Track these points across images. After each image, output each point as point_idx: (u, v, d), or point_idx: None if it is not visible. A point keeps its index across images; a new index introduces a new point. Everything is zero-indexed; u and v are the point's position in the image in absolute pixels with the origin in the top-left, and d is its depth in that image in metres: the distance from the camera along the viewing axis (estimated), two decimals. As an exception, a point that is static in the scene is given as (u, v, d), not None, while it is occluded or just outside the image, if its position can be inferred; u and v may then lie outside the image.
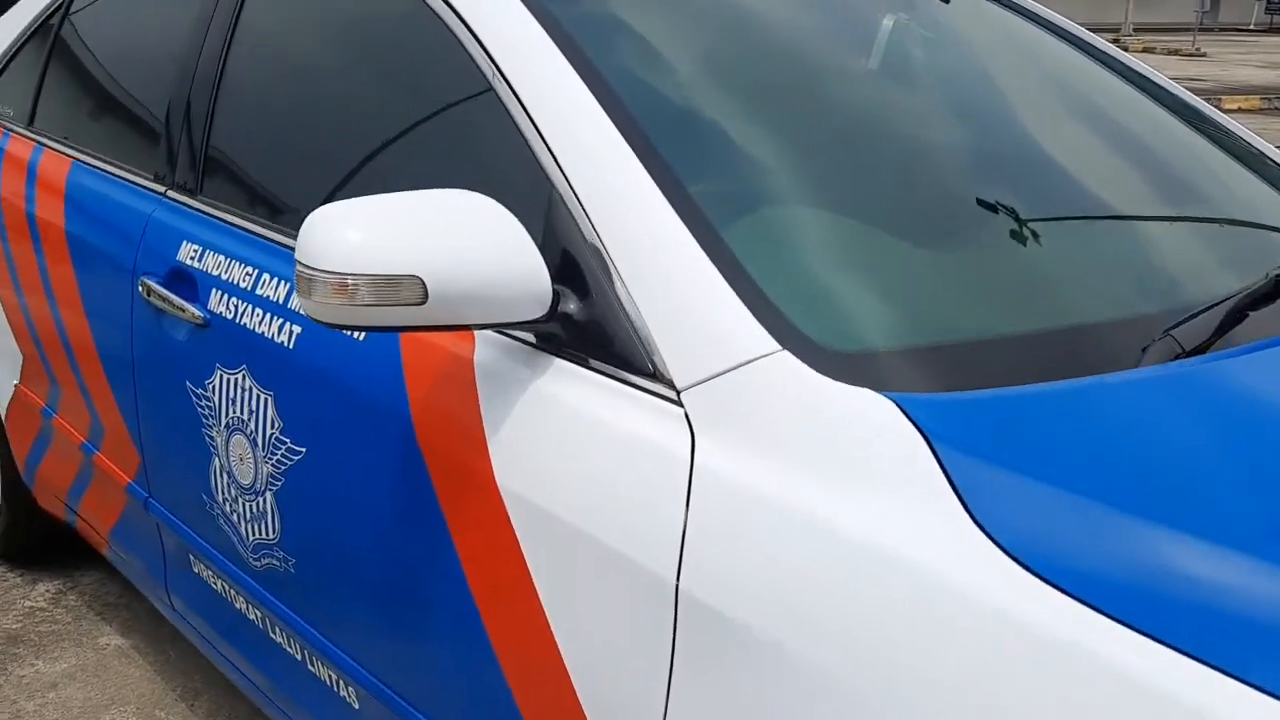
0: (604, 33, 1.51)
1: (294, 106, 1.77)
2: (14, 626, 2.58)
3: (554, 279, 1.25)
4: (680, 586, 1.05)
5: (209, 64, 1.88)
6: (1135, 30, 24.86)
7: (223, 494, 1.71)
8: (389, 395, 1.39)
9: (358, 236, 1.14)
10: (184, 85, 1.92)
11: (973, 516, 0.92)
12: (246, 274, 1.65)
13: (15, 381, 2.42)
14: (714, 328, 1.14)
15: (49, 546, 2.77)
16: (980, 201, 1.43)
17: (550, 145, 1.32)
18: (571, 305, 1.24)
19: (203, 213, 1.80)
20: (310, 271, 1.14)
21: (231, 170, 1.82)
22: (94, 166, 2.11)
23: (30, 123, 2.38)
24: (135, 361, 1.89)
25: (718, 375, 1.12)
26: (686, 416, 1.12)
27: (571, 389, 1.22)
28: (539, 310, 1.22)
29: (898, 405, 1.03)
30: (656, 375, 1.16)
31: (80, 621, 2.60)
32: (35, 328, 2.27)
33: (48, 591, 2.72)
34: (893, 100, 1.62)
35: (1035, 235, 1.40)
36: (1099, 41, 1.96)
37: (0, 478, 2.67)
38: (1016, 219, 1.41)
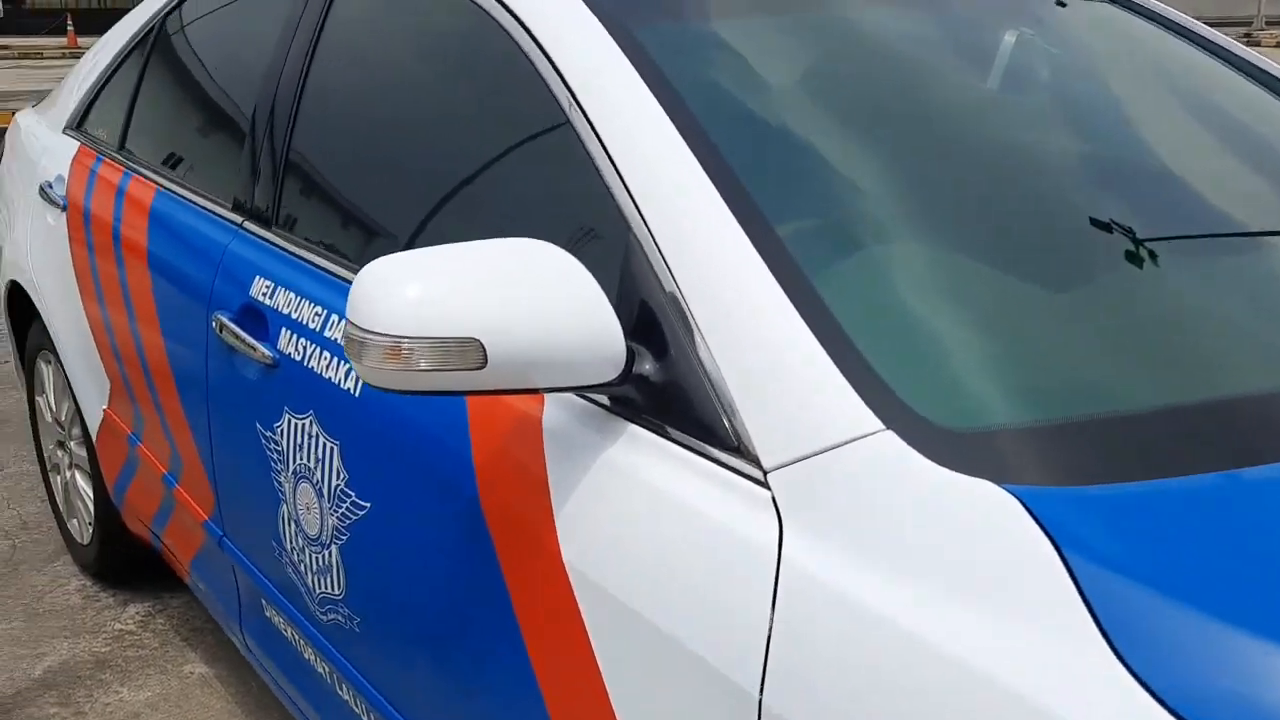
0: (691, 60, 1.38)
1: (368, 140, 1.69)
2: (103, 650, 2.57)
3: (629, 335, 1.13)
4: (764, 702, 0.92)
5: (286, 94, 1.81)
6: (1268, 23, 23.63)
7: (291, 542, 1.63)
8: (454, 454, 1.28)
9: (412, 295, 1.04)
10: (262, 115, 1.86)
11: (1119, 656, 0.77)
12: (316, 314, 1.57)
13: (104, 406, 2.40)
14: (807, 399, 1.01)
15: (140, 567, 2.77)
16: (1122, 251, 1.25)
17: (628, 185, 1.20)
18: (647, 366, 1.12)
19: (276, 246, 1.73)
20: (361, 334, 1.04)
21: (305, 203, 1.75)
22: (177, 194, 2.07)
23: (121, 148, 2.36)
24: (209, 397, 1.84)
25: (810, 456, 0.98)
26: (774, 501, 0.99)
27: (645, 460, 1.10)
28: (611, 373, 1.10)
29: (1021, 502, 0.88)
30: (741, 450, 1.03)
31: (166, 647, 2.58)
32: (120, 355, 2.24)
33: (138, 614, 2.71)
34: (1016, 130, 1.45)
35: (1191, 291, 1.22)
36: (1238, 48, 1.75)
37: (94, 498, 2.67)
38: (1168, 271, 1.23)
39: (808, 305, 1.06)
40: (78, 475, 2.76)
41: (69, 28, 23.23)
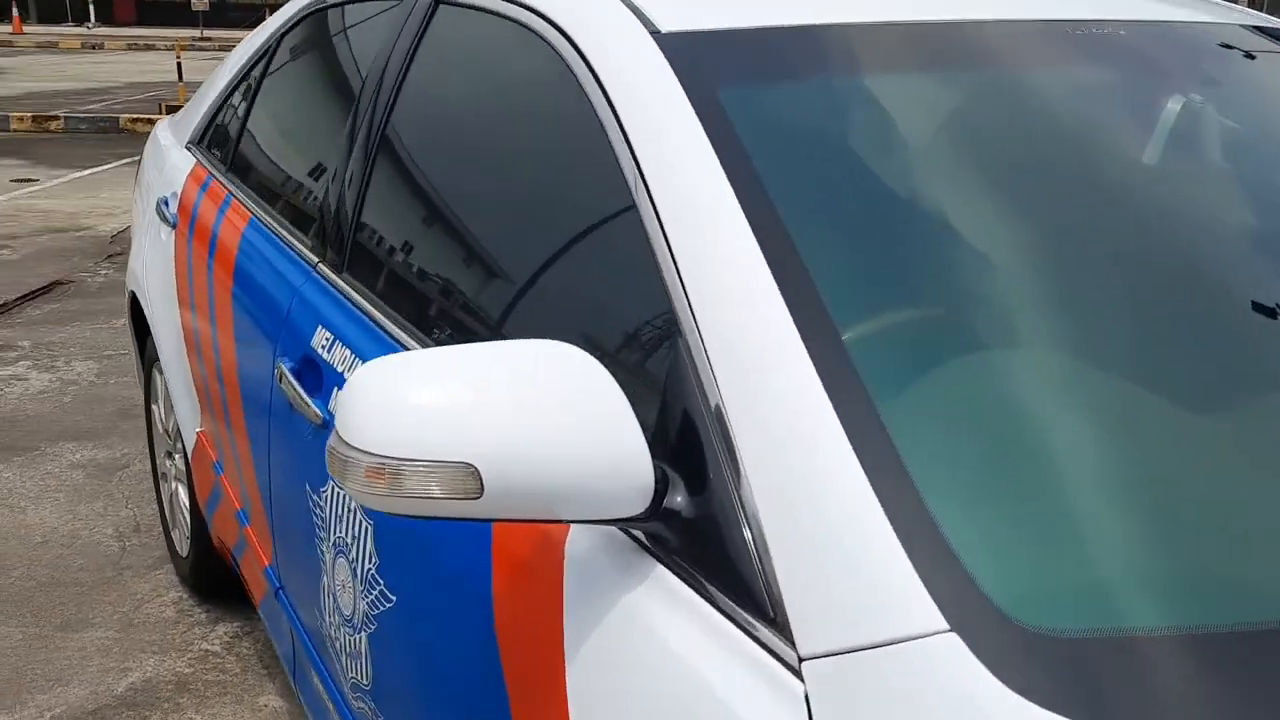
0: (781, 137, 1.19)
1: (435, 198, 1.57)
2: (186, 671, 2.55)
3: (665, 456, 0.96)
4: None
5: (365, 140, 1.71)
6: None
7: (330, 616, 1.52)
8: (473, 565, 1.14)
9: (400, 409, 0.89)
10: (343, 157, 1.77)
11: None
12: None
13: (197, 428, 2.37)
14: (859, 577, 0.82)
15: (233, 585, 2.74)
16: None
17: (685, 282, 1.03)
18: (680, 499, 0.95)
19: (343, 295, 1.63)
20: (344, 450, 0.90)
21: (373, 252, 1.64)
22: (267, 225, 2.00)
23: (229, 169, 2.32)
24: (271, 446, 1.75)
25: (855, 650, 0.79)
26: (806, 697, 0.80)
27: (667, 612, 0.92)
28: (637, 506, 0.93)
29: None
30: (776, 624, 0.85)
31: (246, 674, 2.54)
32: (207, 384, 2.20)
33: (225, 635, 2.68)
34: (1172, 229, 1.19)
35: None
36: None
37: (190, 513, 2.65)
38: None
39: (877, 456, 0.86)
40: (180, 488, 2.75)
41: (268, 22, 24.41)
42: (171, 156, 2.70)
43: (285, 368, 1.64)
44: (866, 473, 0.85)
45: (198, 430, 2.37)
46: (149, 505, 3.26)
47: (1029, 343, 1.02)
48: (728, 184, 1.08)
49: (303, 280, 1.75)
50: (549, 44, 1.36)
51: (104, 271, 5.87)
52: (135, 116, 11.36)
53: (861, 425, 0.88)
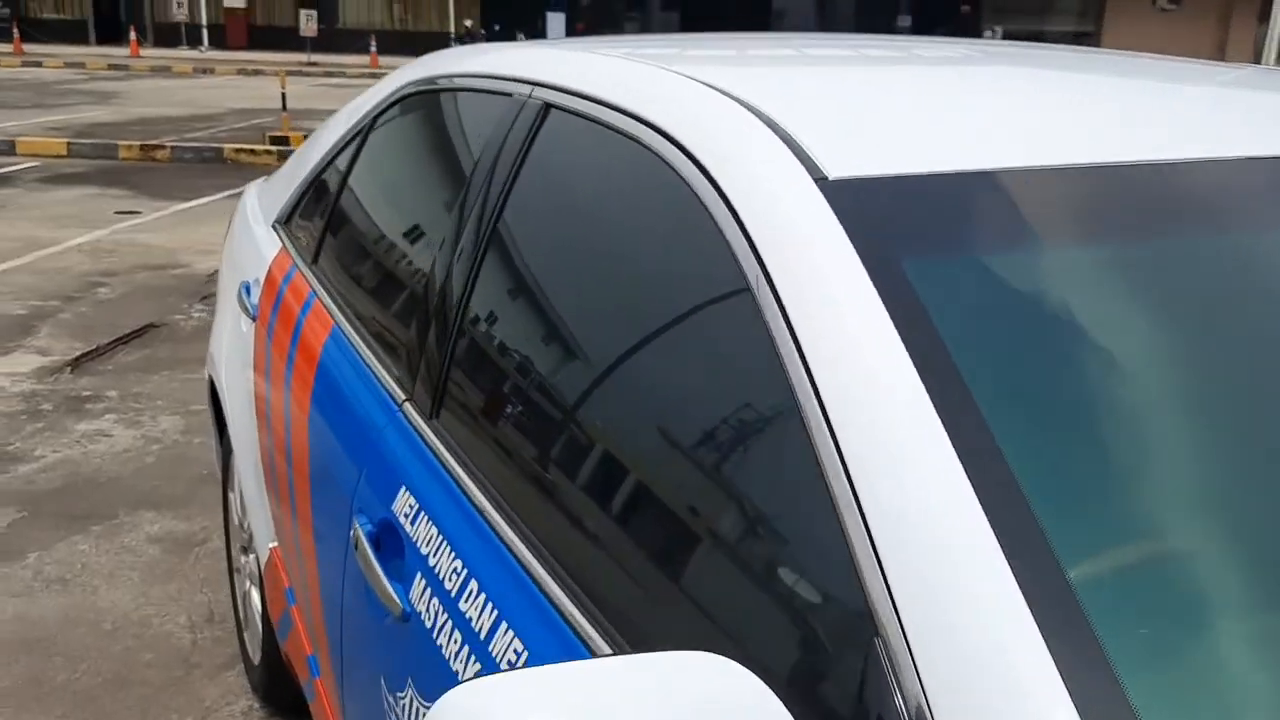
0: (984, 326, 0.93)
1: (554, 343, 1.31)
2: (250, 797, 2.33)
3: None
4: None
5: (467, 259, 1.47)
6: None
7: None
8: None
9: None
10: (439, 274, 1.53)
11: None
12: (454, 572, 1.20)
13: (271, 544, 2.16)
14: None
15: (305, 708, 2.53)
16: None
17: (870, 529, 0.76)
18: None
19: (431, 450, 1.39)
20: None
21: (469, 403, 1.40)
22: (350, 340, 1.77)
23: (314, 261, 2.11)
24: (344, 615, 1.52)
25: None
26: None
27: None
28: None
29: None
30: None
31: (314, 808, 2.31)
32: (280, 506, 1.98)
33: (294, 757, 2.47)
34: None
35: None
36: None
37: (262, 623, 2.45)
38: None
39: None
40: (253, 590, 2.56)
41: (372, 48, 24.78)
42: (257, 234, 2.51)
43: (361, 530, 1.41)
44: None
45: (271, 546, 2.16)
46: (224, 590, 3.08)
47: (1229, 545, 0.83)
48: (926, 397, 0.82)
49: (386, 421, 1.52)
50: (681, 176, 1.11)
51: (197, 314, 5.79)
52: (238, 147, 11.47)
53: None
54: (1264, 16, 26.10)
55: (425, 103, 1.93)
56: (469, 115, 1.74)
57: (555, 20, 23.14)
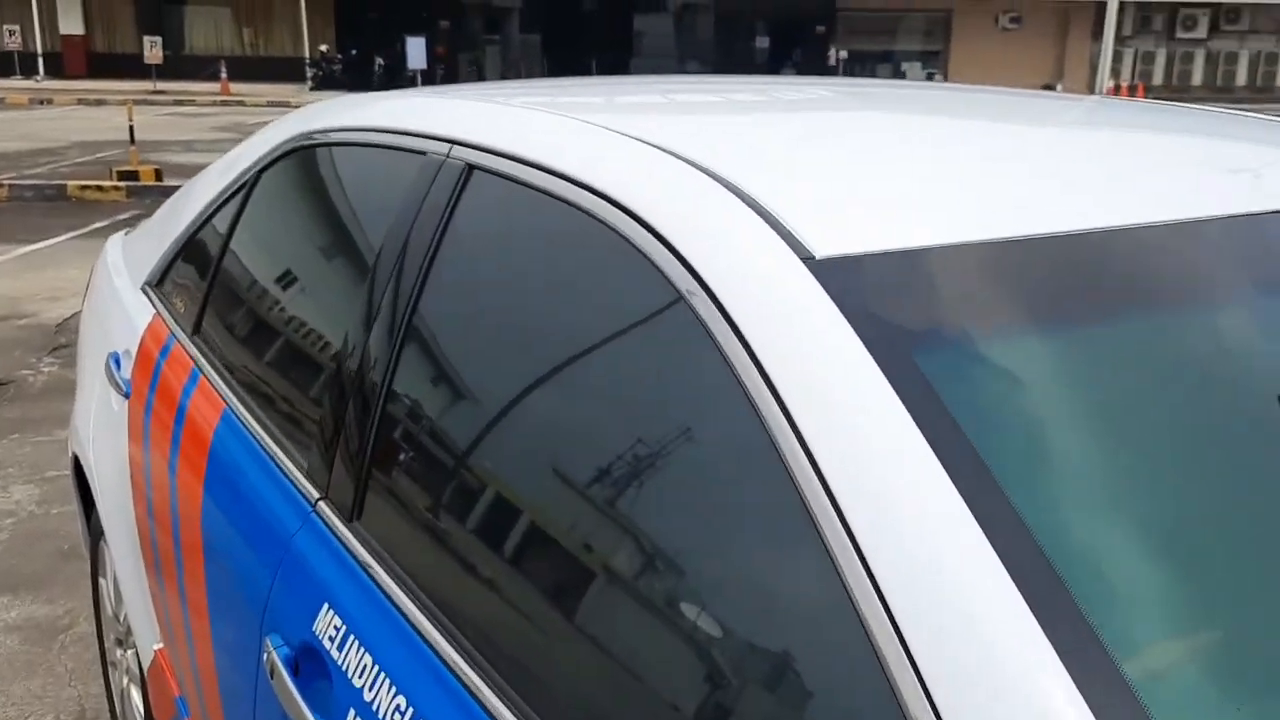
0: (1007, 418, 0.85)
1: (488, 433, 1.17)
2: None
3: None
4: None
5: (386, 334, 1.32)
6: None
7: None
8: None
9: None
10: (354, 352, 1.37)
11: None
12: (398, 710, 1.05)
13: (155, 645, 1.94)
14: None
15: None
16: None
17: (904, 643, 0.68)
18: None
19: (357, 559, 1.23)
20: None
21: (398, 502, 1.25)
22: (247, 427, 1.59)
23: (195, 332, 1.91)
24: (256, 745, 1.34)
25: None
26: None
27: None
28: None
29: None
30: None
31: None
32: (169, 611, 1.78)
33: None
34: None
35: None
36: None
37: (146, 726, 2.21)
38: None
39: None
40: (134, 690, 2.31)
41: (222, 75, 23.95)
42: (125, 298, 2.28)
43: (277, 654, 1.23)
44: None
45: (157, 648, 1.94)
46: (96, 683, 2.81)
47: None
48: (953, 489, 0.74)
49: (298, 523, 1.35)
50: (645, 255, 1.00)
51: (47, 369, 5.39)
52: (84, 183, 10.86)
53: None
54: (1097, 35, 27.55)
55: (317, 158, 1.77)
56: (373, 174, 1.58)
57: (415, 45, 22.74)
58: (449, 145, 1.37)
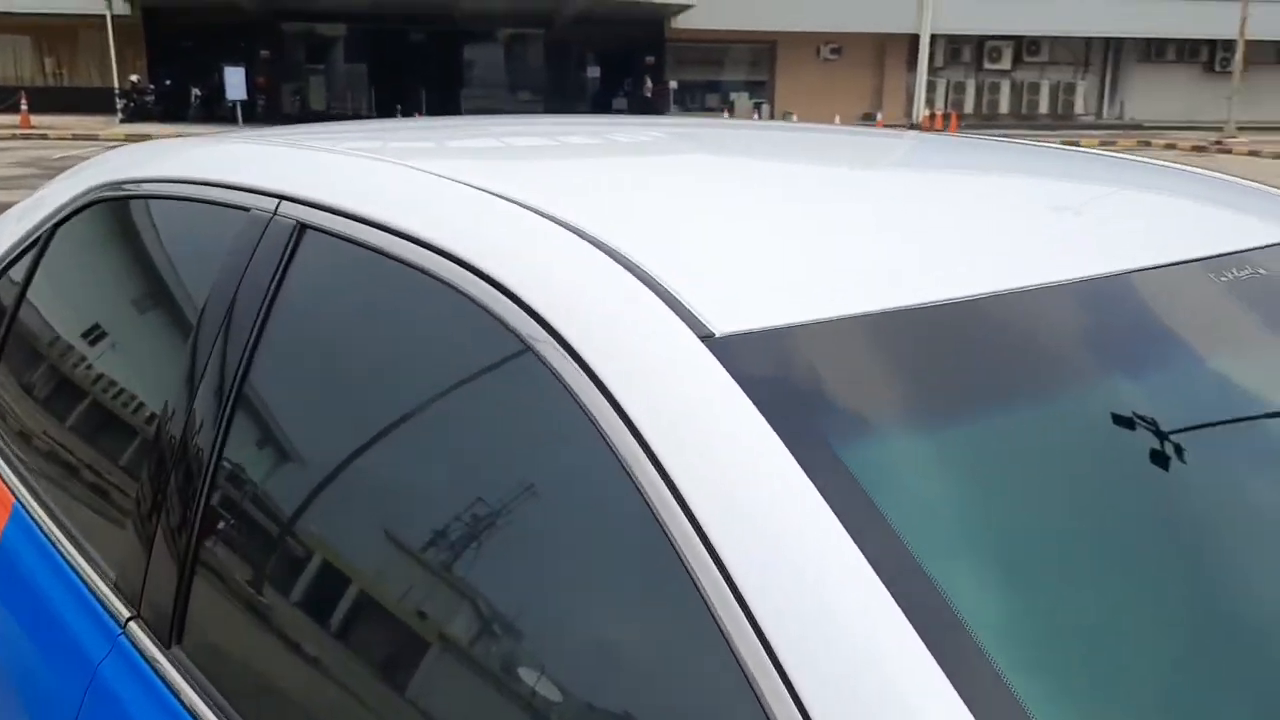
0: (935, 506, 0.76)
1: (341, 541, 1.01)
2: None
3: None
4: None
5: (211, 417, 1.13)
6: (1240, 129, 23.77)
7: None
8: None
9: None
10: (170, 444, 1.18)
11: None
12: None
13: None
14: None
15: None
16: None
17: None
18: None
19: (176, 693, 1.04)
20: None
21: (226, 623, 1.06)
22: (42, 525, 1.36)
23: (-21, 408, 1.66)
24: None
25: None
26: None
27: None
28: None
29: None
30: None
31: None
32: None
33: None
34: None
35: None
36: None
37: None
38: None
39: None
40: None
41: (23, 107, 22.52)
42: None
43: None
44: None
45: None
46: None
47: None
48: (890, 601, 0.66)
49: (104, 649, 1.14)
50: (515, 333, 0.87)
51: None
52: None
53: None
54: (912, 66, 28.85)
55: (122, 212, 1.55)
56: (190, 232, 1.39)
57: (235, 75, 21.82)
58: (276, 200, 1.19)
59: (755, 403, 0.77)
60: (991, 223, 1.17)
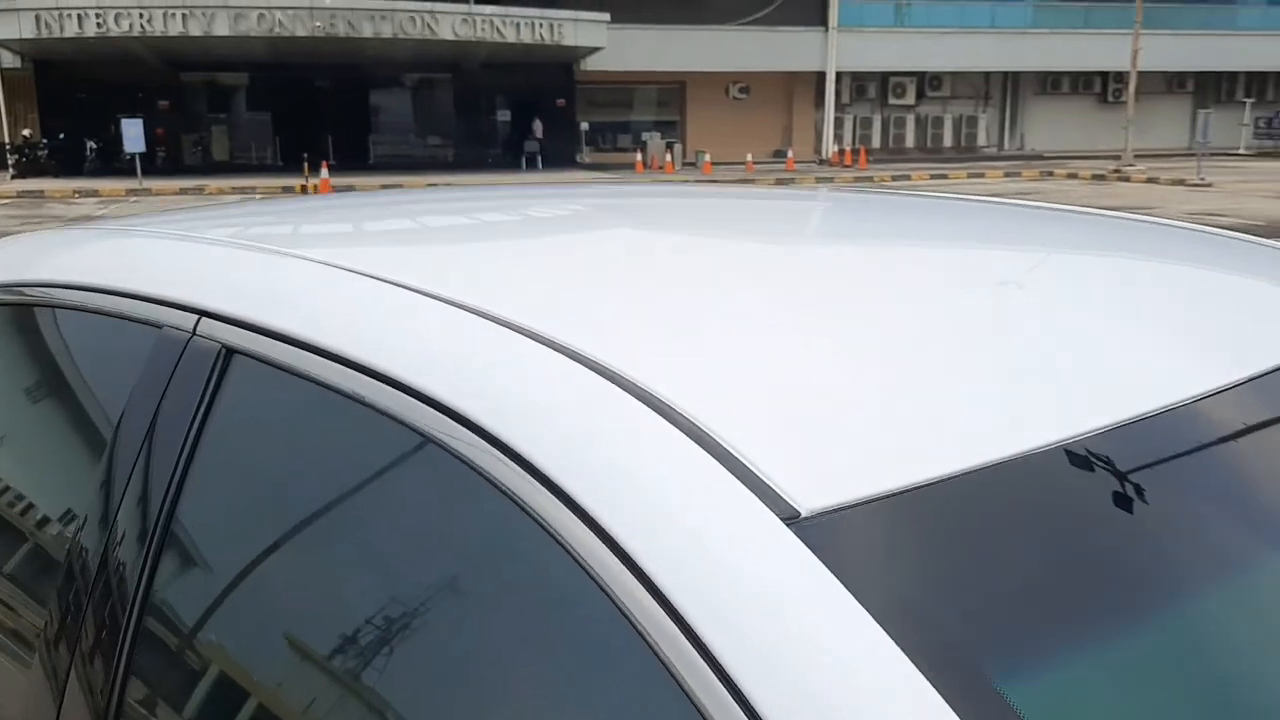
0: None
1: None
2: None
3: None
4: None
5: (129, 577, 0.90)
6: (1137, 157, 24.56)
7: None
8: None
9: None
10: (79, 595, 0.94)
11: None
12: None
13: None
14: None
15: None
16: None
17: None
18: None
19: None
20: None
21: None
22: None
23: None
24: None
25: None
26: None
27: None
28: None
29: None
30: None
31: None
32: None
33: None
34: None
35: None
36: None
37: None
38: None
39: None
40: None
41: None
42: None
43: None
44: None
45: None
46: None
47: None
48: None
49: None
50: (534, 516, 0.66)
51: None
52: None
53: None
54: (819, 103, 29.31)
55: (32, 315, 1.30)
56: (85, 348, 1.15)
57: (132, 127, 21.07)
58: (194, 316, 0.97)
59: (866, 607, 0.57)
60: (1114, 338, 0.94)
